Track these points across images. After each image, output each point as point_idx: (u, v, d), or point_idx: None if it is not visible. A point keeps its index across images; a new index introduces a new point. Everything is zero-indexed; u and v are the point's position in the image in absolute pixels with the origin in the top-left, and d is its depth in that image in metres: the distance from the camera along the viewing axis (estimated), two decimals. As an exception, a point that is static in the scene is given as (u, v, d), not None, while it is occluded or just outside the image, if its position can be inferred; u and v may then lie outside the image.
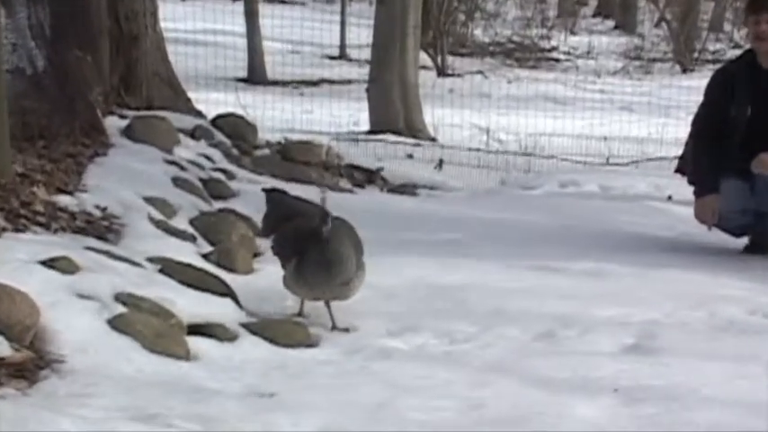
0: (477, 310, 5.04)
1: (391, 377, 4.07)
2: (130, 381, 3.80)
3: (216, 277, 4.98)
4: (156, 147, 7.59)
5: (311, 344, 4.54)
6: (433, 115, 13.27)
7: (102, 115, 7.72)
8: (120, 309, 4.21)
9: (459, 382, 4.02)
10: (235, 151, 8.71)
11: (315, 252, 4.65)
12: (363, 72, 15.99)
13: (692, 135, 6.79)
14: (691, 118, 6.89)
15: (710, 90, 6.68)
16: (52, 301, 4.08)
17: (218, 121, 9.18)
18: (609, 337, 4.65)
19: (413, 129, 12.98)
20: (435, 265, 5.86)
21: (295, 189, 7.59)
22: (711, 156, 6.48)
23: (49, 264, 4.35)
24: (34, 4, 6.88)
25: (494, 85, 17.51)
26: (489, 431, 3.59)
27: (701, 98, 6.76)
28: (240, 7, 17.50)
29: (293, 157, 9.14)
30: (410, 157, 11.13)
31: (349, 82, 17.02)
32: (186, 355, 4.15)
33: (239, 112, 10.41)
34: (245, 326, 4.54)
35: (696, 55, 21.81)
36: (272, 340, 4.47)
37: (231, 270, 5.45)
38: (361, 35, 17.79)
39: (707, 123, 6.59)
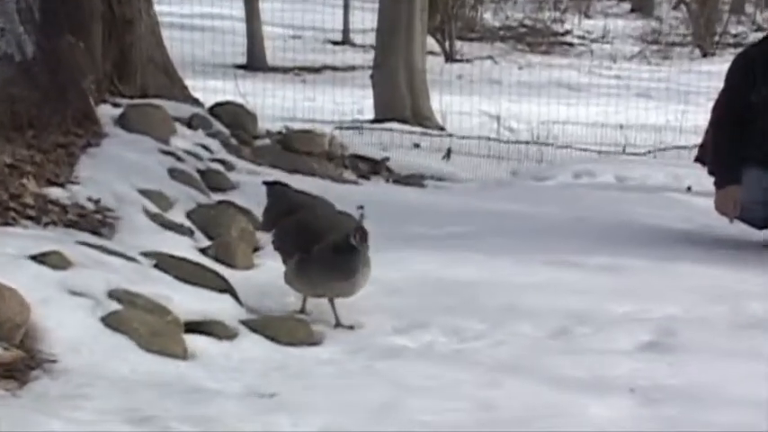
0: (488, 306, 5.04)
1: (397, 377, 4.07)
2: (125, 381, 3.81)
3: (214, 273, 4.98)
4: (152, 136, 7.59)
5: (313, 342, 4.54)
6: (440, 103, 13.26)
7: (94, 104, 7.72)
8: (115, 306, 4.22)
9: (468, 382, 4.02)
10: (234, 141, 8.71)
11: (323, 252, 4.64)
12: (368, 58, 15.98)
13: (712, 122, 6.78)
14: (711, 104, 6.87)
15: (731, 75, 6.66)
16: (43, 298, 4.09)
17: (217, 109, 9.18)
18: (625, 335, 4.65)
19: (420, 117, 12.97)
20: (444, 259, 5.86)
21: (297, 180, 7.61)
22: (733, 144, 6.47)
23: (40, 259, 4.36)
24: (23, -12, 6.88)
25: (504, 71, 17.49)
26: (500, 433, 3.60)
27: (721, 84, 6.75)
28: (239, -10, 17.52)
29: (295, 147, 9.14)
30: (417, 146, 11.13)
31: (353, 68, 17.02)
32: (183, 354, 4.16)
33: (238, 100, 10.41)
34: (244, 323, 4.55)
35: (717, 38, 21.76)
36: (272, 338, 4.48)
37: (230, 265, 5.45)
38: (366, 19, 17.77)
39: (728, 110, 6.57)
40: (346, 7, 19.97)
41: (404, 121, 12.49)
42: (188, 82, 9.85)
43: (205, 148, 8.05)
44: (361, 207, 4.75)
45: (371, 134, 11.26)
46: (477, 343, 4.57)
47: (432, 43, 17.19)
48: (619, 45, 21.73)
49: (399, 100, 12.96)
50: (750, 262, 6.04)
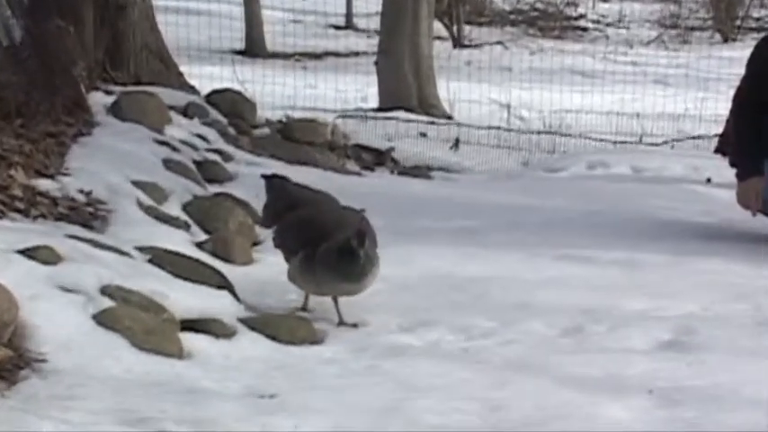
0: (497, 303, 5.04)
1: (403, 376, 4.08)
2: (118, 381, 3.82)
3: (211, 268, 4.99)
4: (146, 125, 7.60)
5: (316, 341, 4.55)
6: (448, 90, 13.26)
7: (85, 91, 7.73)
8: (107, 303, 4.22)
9: (476, 382, 4.03)
10: (231, 130, 8.71)
11: (329, 252, 4.64)
12: (372, 43, 16.00)
13: (733, 111, 6.77)
14: (732, 92, 6.87)
15: (753, 61, 6.66)
16: (32, 295, 4.09)
17: (214, 97, 9.19)
18: (641, 333, 4.65)
19: (426, 105, 12.98)
20: (451, 254, 5.86)
21: (297, 171, 7.61)
22: (755, 134, 6.46)
23: (29, 254, 4.36)
24: (11, -30, 6.89)
25: (515, 56, 17.49)
26: (511, 435, 3.61)
27: (743, 70, 6.74)
28: (237, -28, 17.54)
29: (295, 136, 9.15)
30: (423, 136, 11.13)
31: (356, 54, 17.02)
32: (179, 354, 4.16)
33: (236, 87, 10.41)
34: (243, 321, 4.55)
35: (738, 23, 21.74)
36: (273, 337, 4.48)
37: (228, 260, 5.46)
38: (370, 2, 17.78)
39: (750, 98, 6.57)
40: (349, -10, 19.99)
41: (410, 110, 12.50)
42: (184, 68, 9.86)
43: (201, 137, 8.05)
44: (363, 210, 4.77)
45: (376, 123, 11.26)
46: (485, 341, 4.57)
47: (439, 28, 17.19)
48: (635, 29, 21.71)
49: (405, 87, 12.96)
50: (773, 257, 6.04)
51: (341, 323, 4.74)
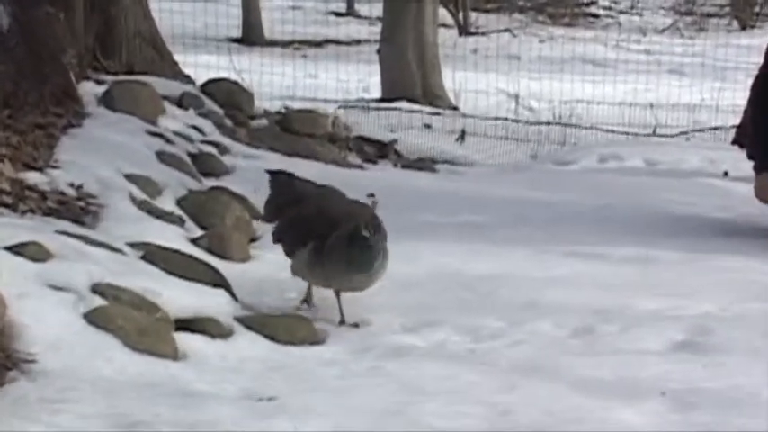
0: (505, 302, 5.05)
1: (406, 379, 4.08)
2: (110, 383, 3.82)
3: (207, 265, 4.99)
4: (138, 116, 7.60)
5: (316, 341, 4.55)
6: (453, 80, 13.25)
7: (75, 80, 7.72)
8: (98, 301, 4.23)
9: (484, 385, 4.03)
10: (228, 122, 8.72)
11: (339, 242, 4.62)
12: (374, 31, 15.97)
13: (751, 101, 6.77)
14: (750, 81, 6.86)
15: (772, 50, 6.66)
16: (21, 293, 4.09)
17: (210, 87, 9.19)
18: (655, 334, 4.65)
19: (431, 95, 12.97)
20: (457, 251, 5.86)
21: (297, 165, 7.61)
22: (773, 125, 6.46)
23: (17, 250, 4.36)
24: (-2, -46, 6.89)
25: (524, 45, 17.48)
26: (519, 440, 3.61)
27: (761, 59, 6.74)
28: (233, -43, 17.54)
29: (295, 128, 9.15)
30: (428, 127, 11.13)
31: (358, 42, 17.02)
32: (174, 354, 4.17)
33: (233, 76, 10.41)
34: (240, 320, 4.56)
35: (757, 9, 21.71)
36: (271, 337, 4.49)
37: (224, 257, 5.46)
38: (372, -12, 17.78)
39: (768, 88, 6.57)
40: (351, -25, 20.00)
41: (414, 100, 12.49)
42: (178, 57, 9.86)
43: (197, 129, 8.06)
44: (372, 195, 4.74)
45: (378, 114, 11.26)
46: (493, 342, 4.58)
47: (444, 14, 17.18)
48: (649, 16, 21.71)
49: (409, 77, 12.95)
50: (792, 254, 6.04)
51: (342, 323, 4.74)
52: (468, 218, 6.79)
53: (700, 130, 11.39)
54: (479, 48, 16.54)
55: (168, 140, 7.30)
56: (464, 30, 18.82)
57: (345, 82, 13.80)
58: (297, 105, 10.44)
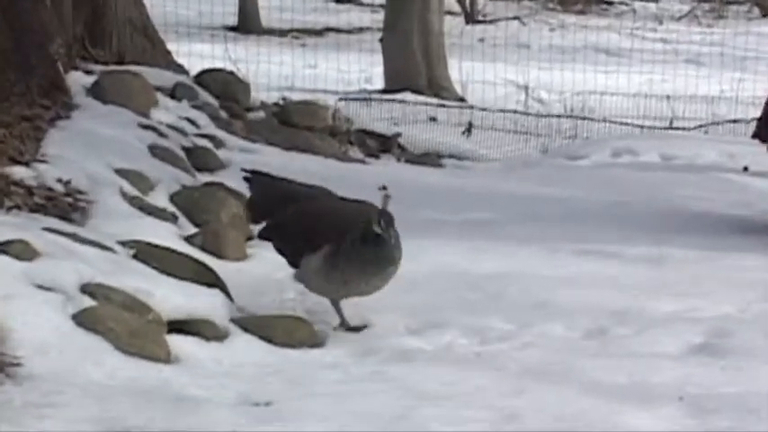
0: (514, 303, 5.05)
1: (411, 383, 4.08)
2: (100, 388, 3.82)
3: (201, 264, 4.99)
4: (129, 108, 7.60)
5: (315, 343, 4.55)
6: (460, 70, 13.25)
7: (63, 71, 7.72)
8: (88, 302, 4.23)
9: (491, 390, 4.03)
10: (223, 114, 8.72)
11: (354, 244, 4.57)
12: (377, 18, 15.98)
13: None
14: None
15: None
16: (6, 294, 4.10)
17: (204, 77, 9.19)
18: (671, 336, 4.65)
19: (436, 86, 12.97)
20: (463, 249, 5.87)
21: (295, 159, 7.63)
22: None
23: (2, 249, 4.37)
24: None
25: (533, 33, 17.48)
26: (528, 447, 3.62)
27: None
28: (229, -59, 17.53)
29: (293, 120, 9.15)
30: (433, 120, 11.14)
31: (360, 30, 17.03)
32: (166, 358, 4.17)
33: (229, 66, 10.42)
34: (236, 322, 4.56)
35: (778, -4, 21.70)
36: (268, 339, 4.49)
37: (220, 256, 5.47)
38: (375, -26, 17.78)
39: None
40: (352, -40, 20.00)
41: (418, 92, 12.50)
42: (171, 46, 9.86)
43: (191, 121, 8.05)
44: (385, 188, 4.70)
45: (381, 106, 11.26)
46: (501, 345, 4.58)
47: (450, 2, 17.19)
48: (665, 3, 21.70)
49: (413, 67, 12.96)
50: (815, 253, 6.04)
51: (348, 329, 4.71)
52: (475, 215, 6.80)
53: (718, 123, 11.40)
54: (487, 36, 16.54)
55: (161, 133, 7.30)
56: (471, 17, 18.82)
57: (346, 72, 13.80)
58: (295, 97, 10.44)
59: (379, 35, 13.67)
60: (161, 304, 4.41)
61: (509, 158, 9.96)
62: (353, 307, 4.80)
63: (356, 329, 4.70)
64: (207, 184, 6.66)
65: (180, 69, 9.35)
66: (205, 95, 8.76)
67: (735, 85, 13.30)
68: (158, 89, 8.29)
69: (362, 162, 8.92)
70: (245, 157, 7.52)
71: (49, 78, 7.29)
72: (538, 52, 15.45)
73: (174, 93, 8.48)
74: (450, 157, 9.84)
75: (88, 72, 8.23)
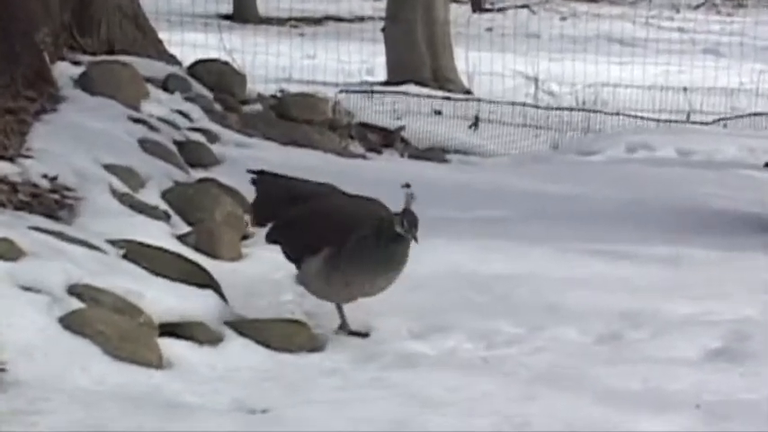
0: (523, 305, 5.05)
1: (414, 389, 4.08)
2: (88, 394, 3.83)
3: (195, 264, 4.99)
4: (119, 101, 7.60)
5: (314, 348, 4.56)
6: (466, 61, 13.25)
7: (50, 61, 7.73)
8: (75, 304, 4.24)
9: (499, 396, 4.04)
10: (218, 107, 8.72)
11: (364, 242, 4.56)
12: (379, 7, 15.98)
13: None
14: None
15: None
16: (-10, 295, 4.11)
17: (198, 68, 9.19)
18: (688, 340, 4.65)
19: (441, 78, 12.97)
20: (470, 249, 5.87)
21: (293, 154, 7.63)
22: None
23: (-14, 248, 4.38)
24: None
25: (543, 22, 17.49)
26: (538, 457, 3.62)
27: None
28: (223, -75, 17.55)
29: (291, 114, 9.16)
30: (438, 113, 11.14)
31: (361, 19, 17.03)
32: (158, 362, 4.17)
33: (223, 57, 10.42)
34: (231, 325, 4.56)
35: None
36: (265, 343, 4.49)
37: (214, 255, 5.47)
38: (377, -40, 17.79)
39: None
40: (353, -55, 19.99)
41: (422, 84, 12.49)
42: (163, 35, 9.87)
43: (183, 114, 8.06)
44: (408, 186, 4.69)
45: (383, 99, 11.26)
46: (509, 349, 4.58)
47: (456, -11, 17.19)
48: (682, -9, 21.69)
49: (417, 58, 12.95)
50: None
51: (350, 333, 4.72)
52: (481, 213, 6.80)
53: (738, 117, 11.39)
54: (495, 25, 16.56)
55: (152, 127, 7.31)
56: (478, 5, 18.82)
57: (347, 63, 13.80)
58: (294, 89, 10.46)
59: (382, 24, 13.66)
60: (152, 306, 4.42)
61: (518, 154, 9.96)
62: (357, 311, 4.81)
63: (358, 334, 4.70)
64: (200, 181, 6.66)
65: (172, 60, 9.35)
66: (199, 87, 8.77)
67: (755, 76, 13.30)
68: (149, 80, 8.30)
69: (364, 157, 8.93)
70: (240, 153, 7.53)
71: (35, 69, 7.30)
72: (548, 42, 15.45)
73: (165, 84, 8.49)
74: (456, 152, 9.85)
75: (76, 62, 8.24)
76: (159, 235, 5.43)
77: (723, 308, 5.06)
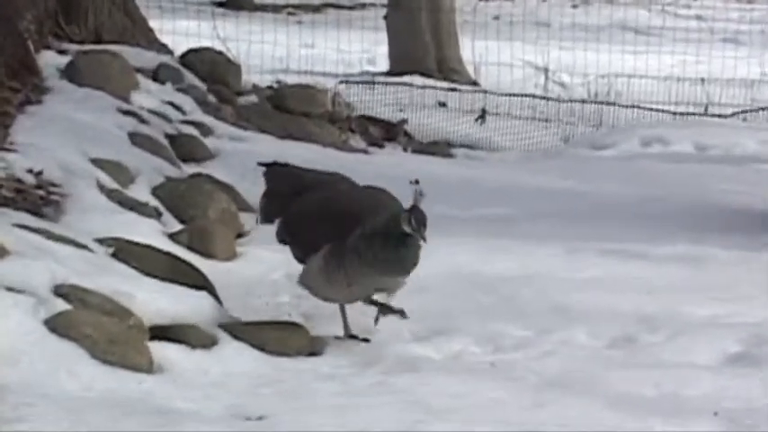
0: (532, 307, 5.05)
1: (417, 396, 4.09)
2: (75, 400, 3.83)
3: (187, 264, 5.00)
4: (107, 92, 7.61)
5: (312, 352, 4.56)
6: (473, 51, 13.25)
7: (34, 50, 7.73)
8: (62, 305, 4.24)
9: (506, 402, 4.04)
10: (211, 98, 8.73)
11: (370, 238, 4.51)
12: (381, -7, 15.97)
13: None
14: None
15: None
16: (-28, 296, 4.11)
17: (190, 57, 9.20)
18: (707, 344, 4.66)
19: (446, 69, 12.97)
20: (476, 248, 5.87)
21: (291, 148, 7.62)
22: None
23: (-32, 246, 4.39)
24: None
25: (554, 9, 17.48)
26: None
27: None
28: None
29: (289, 105, 9.15)
30: (443, 105, 11.14)
31: (362, 6, 17.02)
32: (148, 367, 4.18)
33: (217, 46, 10.42)
34: (225, 328, 4.56)
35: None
36: (260, 347, 4.49)
37: (207, 255, 5.47)
38: (378, -56, 17.77)
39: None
40: (353, -71, 20.00)
41: (426, 74, 12.49)
42: (154, 23, 9.87)
43: (175, 106, 8.06)
44: (417, 182, 4.66)
45: (385, 90, 11.27)
46: (517, 354, 4.58)
47: (462, -25, 17.18)
48: (700, -23, 21.68)
49: (421, 47, 12.96)
50: None
51: (351, 337, 4.72)
52: (488, 210, 6.80)
53: (758, 110, 11.38)
54: (503, 13, 16.55)
55: (142, 120, 7.31)
56: (485, -8, 18.80)
57: (347, 53, 13.80)
58: (291, 79, 10.46)
59: (384, 11, 13.66)
60: (142, 308, 4.42)
61: (527, 148, 9.96)
62: (361, 315, 4.80)
63: (360, 339, 4.70)
64: (193, 176, 6.67)
65: (163, 49, 9.36)
66: (191, 78, 8.77)
67: (776, 67, 13.32)
68: (139, 71, 8.30)
69: (365, 152, 8.93)
70: (234, 146, 7.53)
71: (18, 58, 7.30)
72: (559, 31, 15.45)
73: (156, 75, 8.49)
74: (462, 146, 9.85)
75: (61, 51, 8.24)
76: (150, 233, 5.44)
77: (743, 310, 5.06)
